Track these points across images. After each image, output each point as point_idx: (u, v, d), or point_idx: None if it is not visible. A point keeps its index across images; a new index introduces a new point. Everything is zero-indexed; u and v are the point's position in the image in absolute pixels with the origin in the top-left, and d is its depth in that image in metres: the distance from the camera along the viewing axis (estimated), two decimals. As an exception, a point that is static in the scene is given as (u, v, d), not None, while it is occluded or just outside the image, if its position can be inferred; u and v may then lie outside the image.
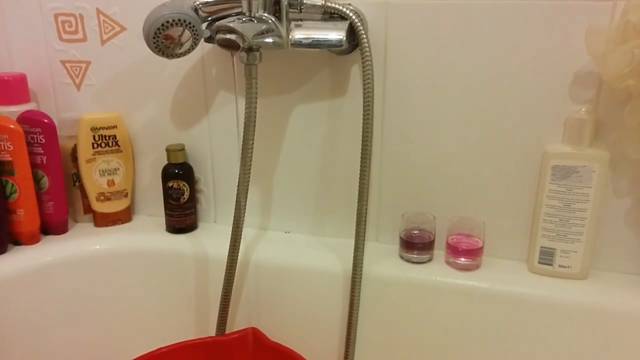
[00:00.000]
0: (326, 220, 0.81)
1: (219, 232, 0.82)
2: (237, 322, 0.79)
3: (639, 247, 0.68)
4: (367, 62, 0.67)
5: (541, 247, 0.69)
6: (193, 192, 0.84)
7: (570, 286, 0.67)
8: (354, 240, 0.71)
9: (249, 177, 0.71)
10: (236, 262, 0.74)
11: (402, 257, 0.75)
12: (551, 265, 0.69)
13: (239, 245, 0.73)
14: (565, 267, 0.68)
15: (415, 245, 0.73)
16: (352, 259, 0.71)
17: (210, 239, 0.81)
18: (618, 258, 0.69)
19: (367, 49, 0.66)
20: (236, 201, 0.72)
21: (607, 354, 0.65)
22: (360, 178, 0.70)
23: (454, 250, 0.72)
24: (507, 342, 0.68)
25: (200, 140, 0.84)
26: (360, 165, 0.69)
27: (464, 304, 0.69)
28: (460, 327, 0.70)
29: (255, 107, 0.68)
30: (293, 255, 0.77)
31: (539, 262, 0.69)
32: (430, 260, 0.74)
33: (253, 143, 0.70)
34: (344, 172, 0.78)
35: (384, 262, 0.74)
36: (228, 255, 0.73)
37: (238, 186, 0.71)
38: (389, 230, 0.78)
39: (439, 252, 0.75)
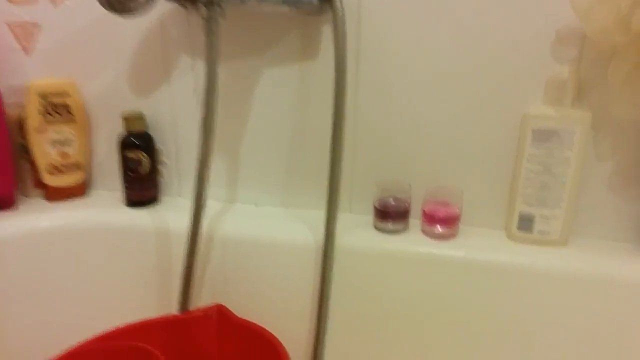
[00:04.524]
0: (297, 191, 0.77)
1: (183, 206, 0.77)
2: (203, 300, 0.74)
3: (620, 212, 0.66)
4: (340, 23, 0.62)
5: (520, 213, 0.66)
6: (154, 163, 0.78)
7: (549, 253, 0.65)
8: (331, 210, 0.67)
9: (212, 145, 0.66)
10: (198, 236, 0.69)
11: (376, 228, 0.71)
12: (530, 231, 0.66)
13: (201, 217, 0.68)
14: (544, 233, 0.66)
15: (390, 214, 0.70)
16: (323, 230, 0.67)
17: (172, 213, 0.76)
18: (598, 224, 0.67)
19: (339, 8, 0.62)
20: (197, 170, 0.67)
21: (587, 319, 0.63)
22: (332, 146, 0.65)
23: (430, 218, 0.69)
24: (486, 311, 0.66)
25: (161, 108, 0.78)
26: (332, 133, 0.65)
27: (441, 273, 0.66)
28: (438, 297, 0.67)
29: (217, 67, 0.63)
30: (262, 228, 0.73)
31: (518, 229, 0.67)
32: (405, 229, 0.71)
33: (214, 107, 0.65)
34: (315, 140, 0.74)
35: (358, 233, 0.70)
36: (189, 228, 0.68)
37: (199, 154, 0.66)
38: (363, 201, 0.74)
39: (415, 221, 0.72)
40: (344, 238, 0.69)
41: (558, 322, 0.64)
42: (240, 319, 0.68)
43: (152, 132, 0.79)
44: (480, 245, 0.67)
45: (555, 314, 0.64)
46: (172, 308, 0.75)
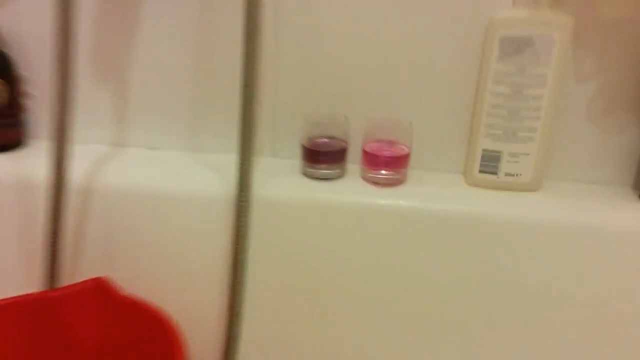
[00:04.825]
0: (204, 131, 0.61)
1: (57, 152, 0.59)
2: (84, 271, 0.57)
3: (601, 148, 0.54)
4: None
5: (483, 150, 0.53)
6: (15, 95, 0.59)
7: (519, 200, 0.52)
8: (245, 154, 0.52)
9: (71, 70, 0.49)
10: (63, 188, 0.52)
11: (305, 174, 0.56)
12: (495, 173, 0.53)
13: (65, 165, 0.51)
14: (513, 175, 0.53)
15: (323, 156, 0.55)
16: (237, 178, 0.52)
17: (40, 160, 0.57)
18: (577, 163, 0.55)
19: None
20: (55, 102, 0.49)
21: (564, 277, 0.51)
22: (244, 72, 0.49)
23: (372, 160, 0.54)
24: (442, 273, 0.53)
25: (23, 22, 0.59)
26: (245, 54, 0.49)
27: (387, 228, 0.52)
28: (383, 258, 0.53)
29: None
30: (159, 177, 0.56)
31: (481, 171, 0.53)
32: (342, 175, 0.56)
33: (72, 18, 0.47)
34: (226, 66, 0.57)
35: (282, 181, 0.55)
36: (52, 179, 0.51)
37: (56, 82, 0.48)
38: (289, 141, 0.59)
39: (354, 166, 0.57)
40: (264, 187, 0.54)
41: (529, 282, 0.51)
42: (127, 295, 0.52)
43: (12, 54, 0.60)
44: (434, 193, 0.53)
45: (526, 272, 0.51)
46: (39, 283, 0.58)
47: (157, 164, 0.59)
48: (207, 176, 0.56)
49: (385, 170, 0.54)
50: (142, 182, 0.56)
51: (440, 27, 0.52)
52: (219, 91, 0.58)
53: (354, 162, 0.57)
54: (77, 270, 0.57)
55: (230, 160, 0.56)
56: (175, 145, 0.61)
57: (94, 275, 0.53)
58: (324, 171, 0.55)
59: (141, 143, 0.62)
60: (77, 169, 0.55)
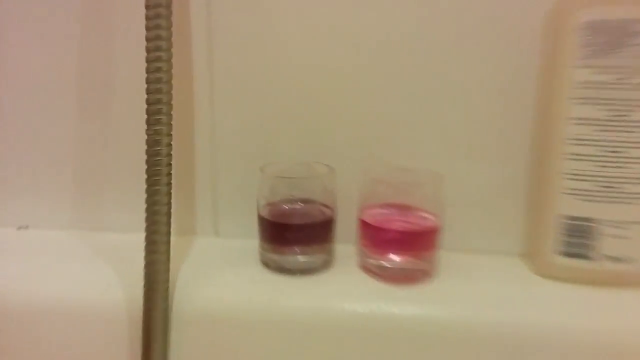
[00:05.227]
0: (104, 202, 0.39)
1: None
2: None
3: None
4: None
5: (564, 217, 0.31)
6: None
7: (630, 302, 0.30)
8: (156, 235, 0.31)
9: None
10: None
11: (266, 263, 0.34)
12: (587, 257, 0.31)
13: None
14: (617, 259, 0.31)
15: (294, 232, 0.33)
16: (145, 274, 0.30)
17: None
18: None
19: None
20: None
21: None
22: (148, 102, 0.30)
23: (376, 238, 0.33)
24: None
25: None
26: (148, 73, 0.30)
27: (403, 352, 0.30)
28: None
29: None
30: (26, 274, 0.34)
31: (561, 253, 0.32)
32: (327, 265, 0.34)
33: None
34: (132, 104, 0.37)
35: (226, 277, 0.33)
36: None
37: None
38: (240, 210, 0.37)
39: (347, 247, 0.35)
40: (195, 289, 0.32)
41: None
42: None
43: None
44: (482, 293, 0.31)
45: None
46: None
47: (26, 252, 0.37)
48: (104, 271, 0.34)
49: (399, 254, 0.32)
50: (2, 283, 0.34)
51: (479, 17, 0.33)
52: (123, 144, 0.37)
53: (345, 241, 0.35)
54: None
55: (139, 242, 0.34)
56: (57, 221, 0.39)
57: None
58: (297, 258, 0.33)
59: (8, 220, 0.40)
60: None
